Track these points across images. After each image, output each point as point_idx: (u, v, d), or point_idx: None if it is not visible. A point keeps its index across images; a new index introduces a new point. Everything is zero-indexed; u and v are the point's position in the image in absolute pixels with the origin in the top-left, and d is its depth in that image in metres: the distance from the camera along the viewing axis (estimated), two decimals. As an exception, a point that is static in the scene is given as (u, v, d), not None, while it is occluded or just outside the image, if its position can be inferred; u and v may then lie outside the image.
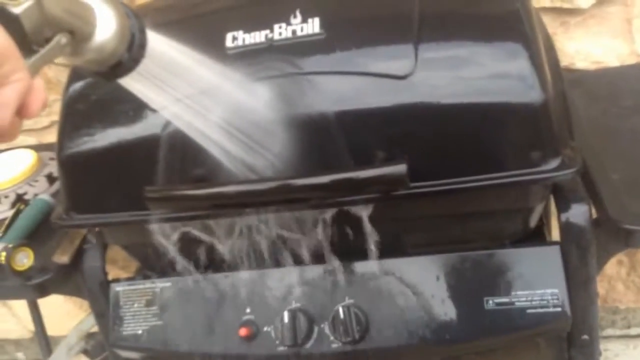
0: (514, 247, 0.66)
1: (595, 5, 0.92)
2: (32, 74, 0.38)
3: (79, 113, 0.67)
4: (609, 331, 1.28)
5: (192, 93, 0.51)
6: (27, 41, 0.38)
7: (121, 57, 0.44)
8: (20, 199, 0.87)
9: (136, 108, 0.63)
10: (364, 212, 0.62)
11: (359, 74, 0.58)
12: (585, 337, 0.67)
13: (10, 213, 0.83)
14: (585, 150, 0.63)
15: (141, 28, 0.45)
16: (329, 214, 0.63)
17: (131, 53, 0.45)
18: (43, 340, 1.11)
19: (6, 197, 0.87)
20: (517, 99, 0.56)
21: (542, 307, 0.63)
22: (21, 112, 0.37)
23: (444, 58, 0.58)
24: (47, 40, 0.39)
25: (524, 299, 0.64)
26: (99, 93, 0.67)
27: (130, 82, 0.46)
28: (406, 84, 0.57)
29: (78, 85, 0.68)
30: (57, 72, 1.09)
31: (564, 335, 0.68)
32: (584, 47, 0.95)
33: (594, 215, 0.63)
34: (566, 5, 0.92)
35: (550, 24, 0.94)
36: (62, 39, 0.40)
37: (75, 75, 0.68)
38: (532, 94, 0.56)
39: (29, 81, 0.37)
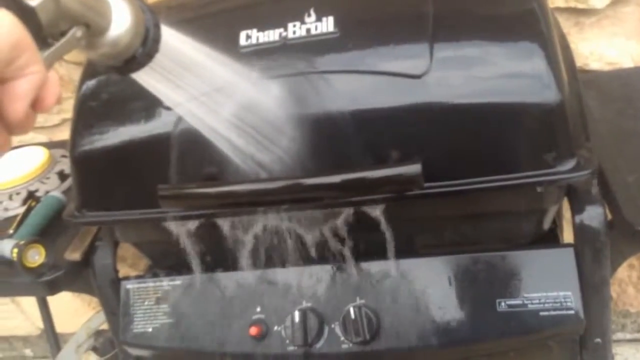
0: (527, 249, 0.65)
1: (610, 6, 0.91)
2: (47, 67, 0.38)
3: (92, 111, 0.67)
4: (619, 335, 1.27)
5: (205, 90, 0.51)
6: (43, 34, 0.38)
7: (135, 51, 0.44)
8: (31, 196, 0.87)
9: (149, 106, 0.63)
10: (376, 213, 0.61)
11: (373, 73, 0.58)
12: (598, 340, 0.66)
13: (21, 210, 0.83)
14: (600, 152, 0.63)
15: (156, 23, 0.45)
16: (341, 213, 0.62)
17: (145, 48, 0.44)
18: (52, 337, 1.11)
19: (18, 194, 0.88)
20: (534, 99, 0.56)
21: (555, 309, 0.63)
22: (36, 105, 0.37)
23: (460, 57, 0.58)
24: (63, 34, 0.39)
25: (536, 301, 0.63)
26: (112, 91, 0.67)
27: (144, 77, 0.46)
28: (421, 83, 0.57)
29: (91, 83, 0.68)
30: (70, 70, 1.09)
31: (577, 339, 0.67)
32: (598, 48, 0.94)
33: (609, 217, 0.63)
34: (581, 6, 0.91)
35: (564, 24, 0.93)
36: (77, 32, 0.40)
37: (88, 73, 0.68)
38: (548, 94, 0.55)
39: (45, 74, 0.37)
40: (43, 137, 1.19)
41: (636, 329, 1.24)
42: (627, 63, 0.94)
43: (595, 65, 0.95)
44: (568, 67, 0.60)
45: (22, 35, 0.35)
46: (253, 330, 0.68)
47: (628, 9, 0.91)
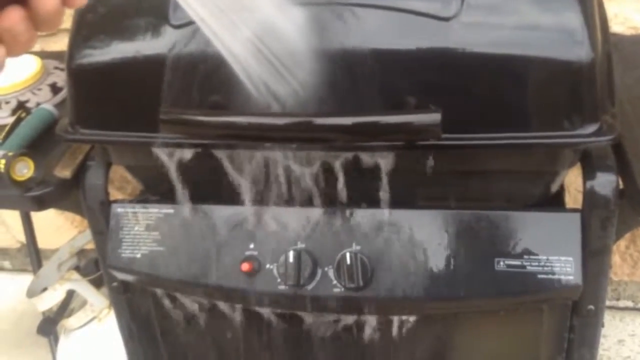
0: (533, 211, 0.63)
1: (643, -33, 0.88)
2: None
3: (94, 23, 0.63)
4: (598, 301, 1.29)
5: (229, 5, 0.48)
6: None
7: None
8: (22, 106, 0.83)
9: (157, 24, 0.59)
10: (383, 160, 0.59)
11: (400, 10, 0.55)
12: (591, 307, 0.66)
13: (11, 120, 0.80)
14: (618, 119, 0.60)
15: None
16: (347, 157, 0.60)
17: None
18: (34, 252, 1.10)
19: (7, 102, 0.84)
20: (565, 55, 0.53)
21: (554, 273, 0.62)
22: (67, 0, 0.34)
23: (493, 4, 0.54)
24: None
25: (536, 263, 0.62)
26: (118, 3, 0.63)
27: None
28: (448, 26, 0.54)
29: (94, -8, 0.63)
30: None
31: (569, 304, 0.67)
32: (624, 11, 0.90)
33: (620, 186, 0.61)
34: (613, -36, 0.88)
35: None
36: None
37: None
38: (580, 52, 0.53)
39: None
40: (35, 46, 1.13)
41: (615, 297, 1.26)
42: (650, 30, 0.91)
43: (617, 28, 0.92)
44: (602, 26, 0.57)
45: None
46: (245, 266, 0.67)
47: (660, -28, 0.88)
